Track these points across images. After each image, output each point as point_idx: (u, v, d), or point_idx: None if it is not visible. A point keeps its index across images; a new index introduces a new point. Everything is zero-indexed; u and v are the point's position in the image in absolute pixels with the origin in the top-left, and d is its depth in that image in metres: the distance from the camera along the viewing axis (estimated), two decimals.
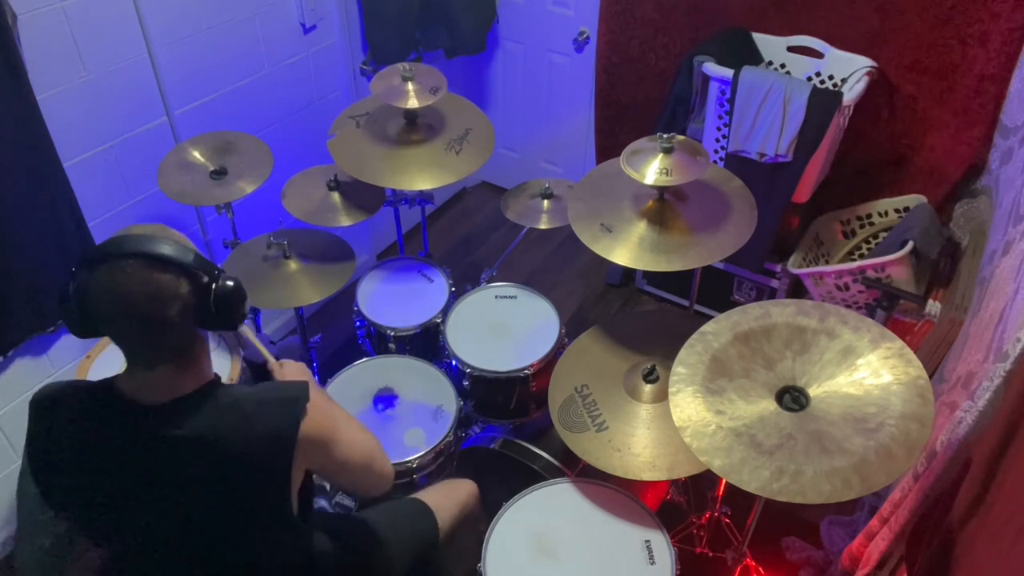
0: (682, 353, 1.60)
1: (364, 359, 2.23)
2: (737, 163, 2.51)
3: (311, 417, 1.24)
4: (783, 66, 2.65)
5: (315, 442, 1.25)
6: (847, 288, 2.53)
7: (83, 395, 1.24)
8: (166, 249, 1.11)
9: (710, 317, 1.66)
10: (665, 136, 1.80)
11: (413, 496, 1.79)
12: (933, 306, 2.23)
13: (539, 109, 3.59)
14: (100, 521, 1.27)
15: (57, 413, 1.24)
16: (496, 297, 2.38)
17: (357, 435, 1.39)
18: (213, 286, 1.17)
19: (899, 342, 1.48)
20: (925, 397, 1.39)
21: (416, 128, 2.27)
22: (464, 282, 2.53)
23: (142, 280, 1.10)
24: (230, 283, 1.20)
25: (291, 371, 1.60)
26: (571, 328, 2.29)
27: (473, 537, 1.80)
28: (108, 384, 1.22)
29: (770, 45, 2.64)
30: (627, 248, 1.82)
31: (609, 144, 3.22)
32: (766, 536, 2.23)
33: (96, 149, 2.21)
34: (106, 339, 1.63)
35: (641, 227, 1.85)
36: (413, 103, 2.17)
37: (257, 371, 2.53)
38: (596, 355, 2.03)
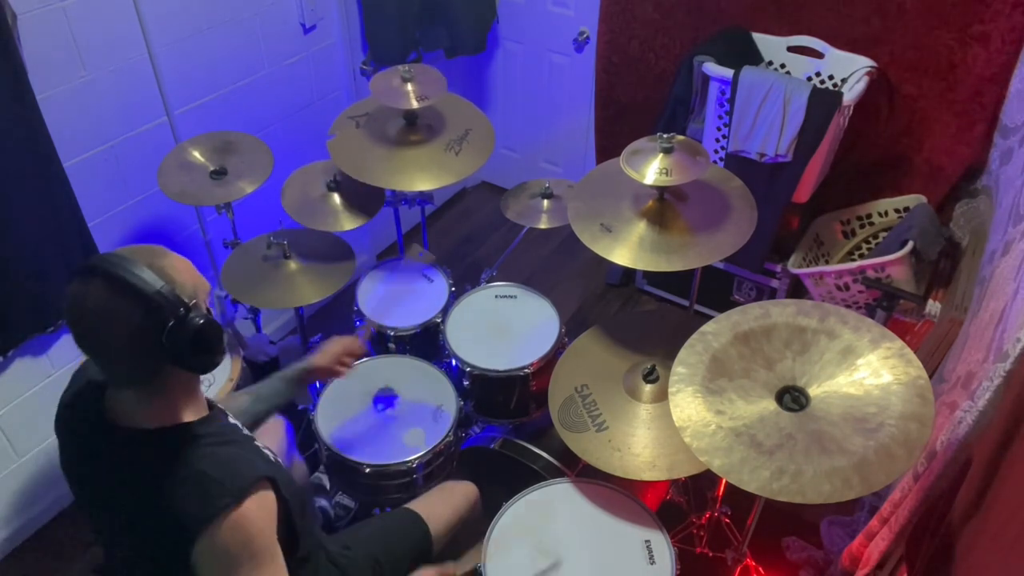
0: (682, 353, 1.60)
1: (364, 359, 2.23)
2: (737, 163, 2.51)
3: (223, 529, 1.09)
4: (783, 66, 2.65)
5: (216, 554, 1.11)
6: (847, 288, 2.53)
7: (86, 397, 1.26)
8: (132, 274, 1.09)
9: (710, 317, 1.66)
10: (665, 136, 1.80)
11: (406, 507, 1.79)
12: (933, 306, 2.23)
13: (539, 109, 3.59)
14: (94, 520, 1.31)
15: (70, 411, 1.28)
16: (496, 297, 2.37)
17: None
18: (171, 322, 1.10)
19: (899, 342, 1.48)
20: (925, 397, 1.39)
21: (416, 128, 2.27)
22: (464, 282, 2.53)
23: (98, 299, 1.09)
24: (198, 321, 1.11)
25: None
26: (571, 328, 2.29)
27: (473, 540, 1.80)
28: (102, 390, 1.24)
29: (770, 45, 2.64)
30: (627, 248, 1.82)
31: (609, 144, 3.22)
32: (766, 536, 2.22)
33: (96, 149, 2.21)
34: None
35: (641, 227, 1.85)
36: (413, 104, 2.17)
37: (258, 370, 2.53)
38: (596, 355, 2.03)
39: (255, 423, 1.58)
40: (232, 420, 1.35)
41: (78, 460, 1.26)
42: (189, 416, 1.21)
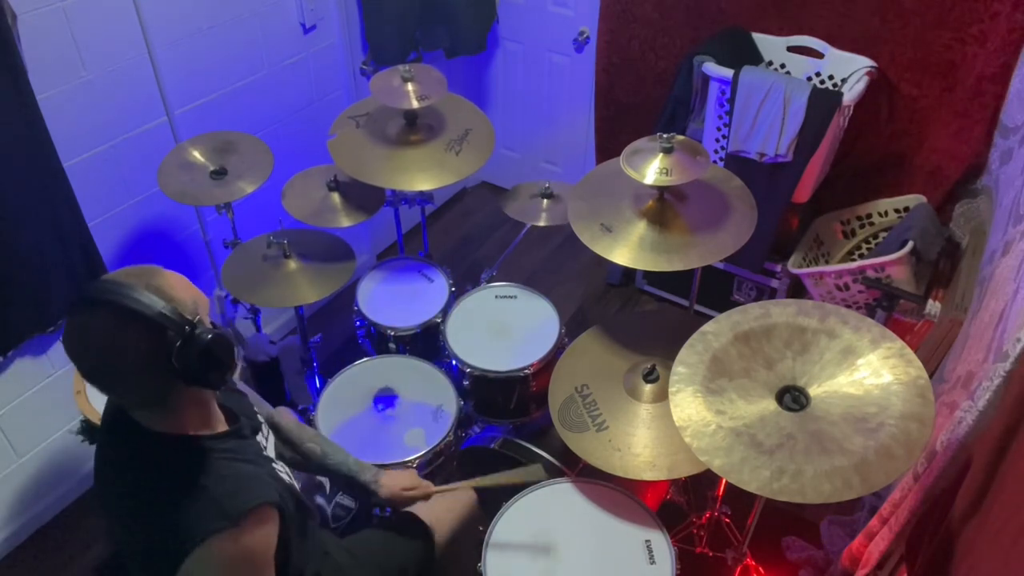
0: (682, 353, 1.60)
1: (364, 359, 2.23)
2: (737, 163, 2.51)
3: (217, 549, 1.09)
4: (783, 66, 2.65)
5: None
6: (847, 288, 2.53)
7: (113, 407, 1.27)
8: (132, 299, 1.06)
9: (710, 317, 1.66)
10: (665, 136, 1.80)
11: (412, 513, 1.78)
12: (933, 306, 2.23)
13: (539, 109, 3.59)
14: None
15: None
16: (496, 297, 2.37)
17: None
18: (179, 342, 1.08)
19: (899, 342, 1.48)
20: (925, 397, 1.39)
21: (416, 128, 2.27)
22: (464, 282, 2.53)
23: (101, 331, 1.07)
24: (205, 337, 1.09)
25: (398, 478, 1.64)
26: (571, 328, 2.29)
27: (472, 541, 1.80)
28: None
29: (770, 45, 2.64)
30: (627, 248, 1.82)
31: (609, 144, 3.22)
32: (766, 536, 2.22)
33: (96, 149, 2.21)
34: None
35: (641, 227, 1.85)
36: (413, 104, 2.17)
37: (258, 370, 2.53)
38: (596, 355, 2.03)
39: (298, 467, 1.61)
40: (260, 439, 1.33)
41: (107, 457, 1.25)
42: (201, 430, 1.20)
